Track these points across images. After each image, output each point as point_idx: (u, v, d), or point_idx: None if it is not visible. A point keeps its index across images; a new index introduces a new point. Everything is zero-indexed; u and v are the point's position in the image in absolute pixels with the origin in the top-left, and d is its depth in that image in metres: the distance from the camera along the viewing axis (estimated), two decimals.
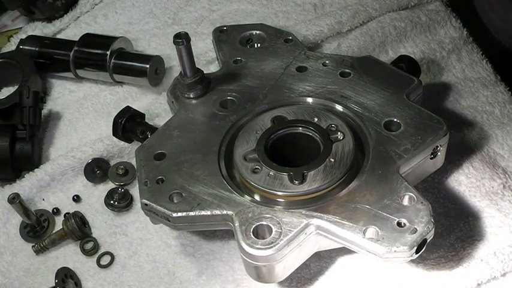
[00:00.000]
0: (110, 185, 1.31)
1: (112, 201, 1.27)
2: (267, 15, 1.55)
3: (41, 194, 1.31)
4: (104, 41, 1.46)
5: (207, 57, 1.46)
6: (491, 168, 1.21)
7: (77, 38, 1.48)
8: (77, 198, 1.30)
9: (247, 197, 1.07)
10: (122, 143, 1.33)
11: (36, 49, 1.50)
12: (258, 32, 1.34)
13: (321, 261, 1.15)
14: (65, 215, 1.27)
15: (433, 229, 0.99)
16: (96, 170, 1.32)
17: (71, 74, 1.48)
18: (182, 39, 1.15)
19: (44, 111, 1.45)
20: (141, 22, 1.61)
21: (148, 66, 1.41)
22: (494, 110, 1.31)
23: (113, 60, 1.44)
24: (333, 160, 1.08)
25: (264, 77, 1.24)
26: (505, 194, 1.18)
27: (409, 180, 1.05)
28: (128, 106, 1.32)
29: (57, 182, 1.32)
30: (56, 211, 1.29)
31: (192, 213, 1.05)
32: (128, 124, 1.29)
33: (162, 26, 1.59)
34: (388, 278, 1.12)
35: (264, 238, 1.01)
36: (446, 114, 1.30)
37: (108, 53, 1.43)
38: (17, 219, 1.28)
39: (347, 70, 1.22)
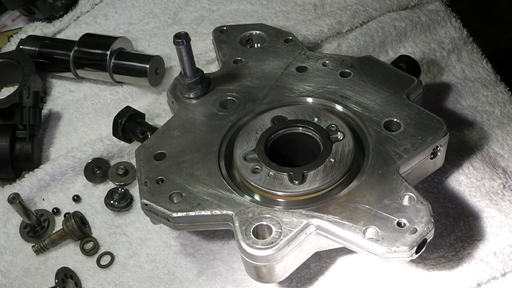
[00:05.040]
0: (110, 185, 1.31)
1: (112, 201, 1.27)
2: (267, 15, 1.55)
3: (41, 194, 1.31)
4: (104, 41, 1.46)
5: (207, 57, 1.46)
6: (491, 168, 1.21)
7: (77, 38, 1.48)
8: (77, 198, 1.30)
9: (247, 197, 1.07)
10: (122, 143, 1.33)
11: (36, 49, 1.50)
12: (258, 32, 1.34)
13: (321, 261, 1.15)
14: (65, 215, 1.27)
15: (433, 229, 0.99)
16: (96, 170, 1.32)
17: (71, 74, 1.48)
18: (182, 39, 1.15)
19: (44, 111, 1.45)
20: (141, 22, 1.61)
21: (148, 66, 1.41)
22: (494, 110, 1.31)
23: (113, 60, 1.44)
24: (333, 160, 1.08)
25: (264, 77, 1.24)
26: (505, 194, 1.18)
27: (409, 180, 1.05)
28: (127, 106, 1.32)
29: (57, 182, 1.32)
30: (56, 211, 1.29)
31: (192, 213, 1.05)
32: (128, 124, 1.29)
33: (162, 26, 1.59)
34: (388, 278, 1.12)
35: (264, 238, 1.01)
36: (446, 114, 1.30)
37: (108, 53, 1.43)
38: (17, 219, 1.28)
39: (347, 70, 1.22)
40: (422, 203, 1.00)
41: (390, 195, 1.02)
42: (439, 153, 1.11)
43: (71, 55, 1.46)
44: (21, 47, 1.51)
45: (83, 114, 1.45)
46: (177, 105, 1.23)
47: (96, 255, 1.23)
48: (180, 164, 1.12)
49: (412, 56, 1.32)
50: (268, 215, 1.02)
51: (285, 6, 1.57)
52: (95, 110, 1.45)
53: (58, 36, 1.59)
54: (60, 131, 1.43)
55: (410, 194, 1.02)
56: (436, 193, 1.20)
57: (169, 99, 1.26)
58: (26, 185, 1.30)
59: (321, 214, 1.02)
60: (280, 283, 1.13)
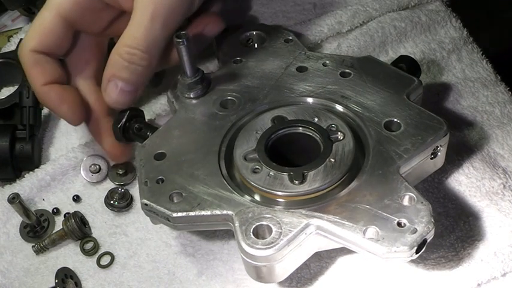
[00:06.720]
0: (110, 185, 1.31)
1: (112, 201, 1.27)
2: (267, 15, 1.55)
3: (41, 194, 1.31)
4: None
5: (207, 57, 1.45)
6: (491, 168, 1.21)
7: None
8: (77, 198, 1.30)
9: (247, 197, 1.07)
10: None
11: None
12: (258, 32, 1.34)
13: (321, 261, 1.15)
14: (65, 215, 1.27)
15: (433, 229, 0.99)
16: (93, 166, 1.31)
17: None
18: (182, 39, 1.15)
19: (44, 111, 1.44)
20: None
21: None
22: (494, 110, 1.31)
23: None
24: (333, 160, 1.08)
25: (264, 77, 1.24)
26: (505, 194, 1.18)
27: (409, 180, 1.05)
28: None
29: (57, 182, 1.32)
30: (56, 211, 1.29)
31: (192, 213, 1.05)
32: (128, 124, 1.29)
33: None
34: (388, 278, 1.12)
35: (264, 238, 1.00)
36: (446, 114, 1.30)
37: None
38: (17, 219, 1.28)
39: (347, 70, 1.22)
40: (422, 203, 1.00)
41: (390, 195, 1.02)
42: (439, 153, 1.11)
43: None
44: None
45: None
46: (177, 105, 1.23)
47: (96, 255, 1.23)
48: (180, 164, 1.12)
49: (412, 56, 1.32)
50: (268, 215, 1.03)
51: (284, 6, 1.56)
52: None
53: None
54: (60, 131, 1.43)
55: (410, 194, 1.02)
56: (436, 193, 1.20)
57: (169, 99, 1.26)
58: (26, 185, 1.30)
59: (321, 214, 1.02)
60: (280, 283, 1.13)
